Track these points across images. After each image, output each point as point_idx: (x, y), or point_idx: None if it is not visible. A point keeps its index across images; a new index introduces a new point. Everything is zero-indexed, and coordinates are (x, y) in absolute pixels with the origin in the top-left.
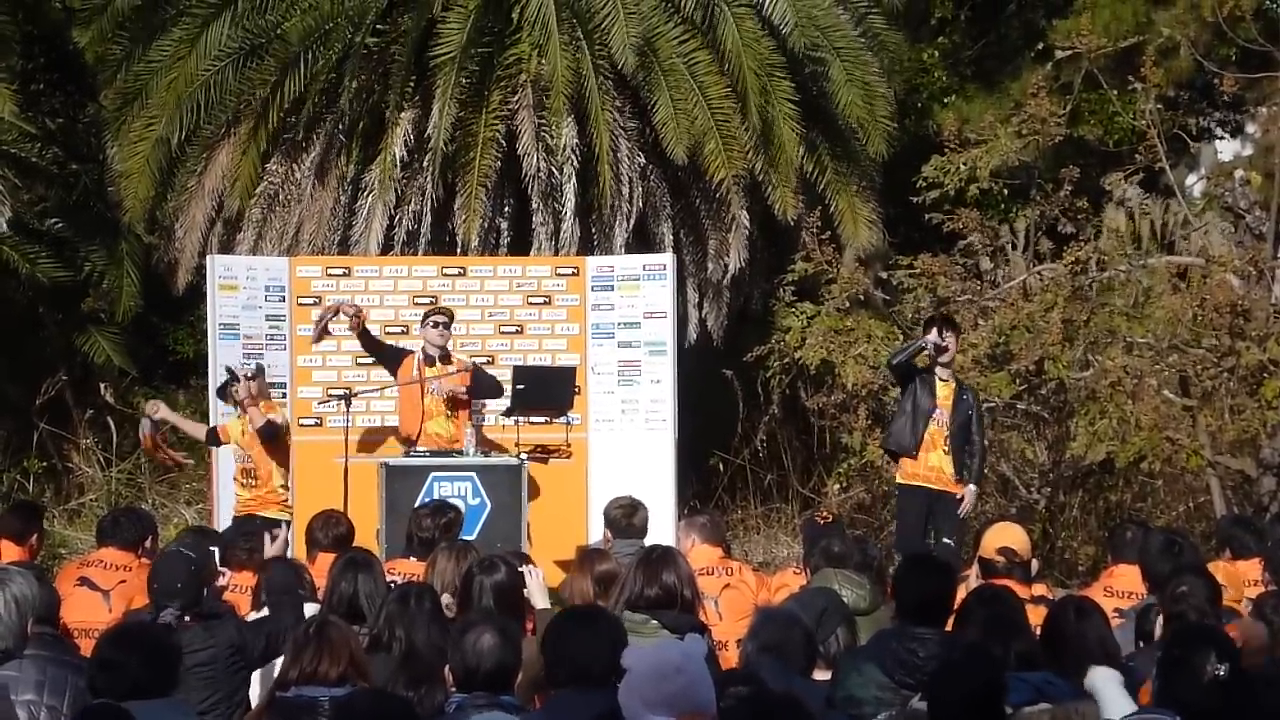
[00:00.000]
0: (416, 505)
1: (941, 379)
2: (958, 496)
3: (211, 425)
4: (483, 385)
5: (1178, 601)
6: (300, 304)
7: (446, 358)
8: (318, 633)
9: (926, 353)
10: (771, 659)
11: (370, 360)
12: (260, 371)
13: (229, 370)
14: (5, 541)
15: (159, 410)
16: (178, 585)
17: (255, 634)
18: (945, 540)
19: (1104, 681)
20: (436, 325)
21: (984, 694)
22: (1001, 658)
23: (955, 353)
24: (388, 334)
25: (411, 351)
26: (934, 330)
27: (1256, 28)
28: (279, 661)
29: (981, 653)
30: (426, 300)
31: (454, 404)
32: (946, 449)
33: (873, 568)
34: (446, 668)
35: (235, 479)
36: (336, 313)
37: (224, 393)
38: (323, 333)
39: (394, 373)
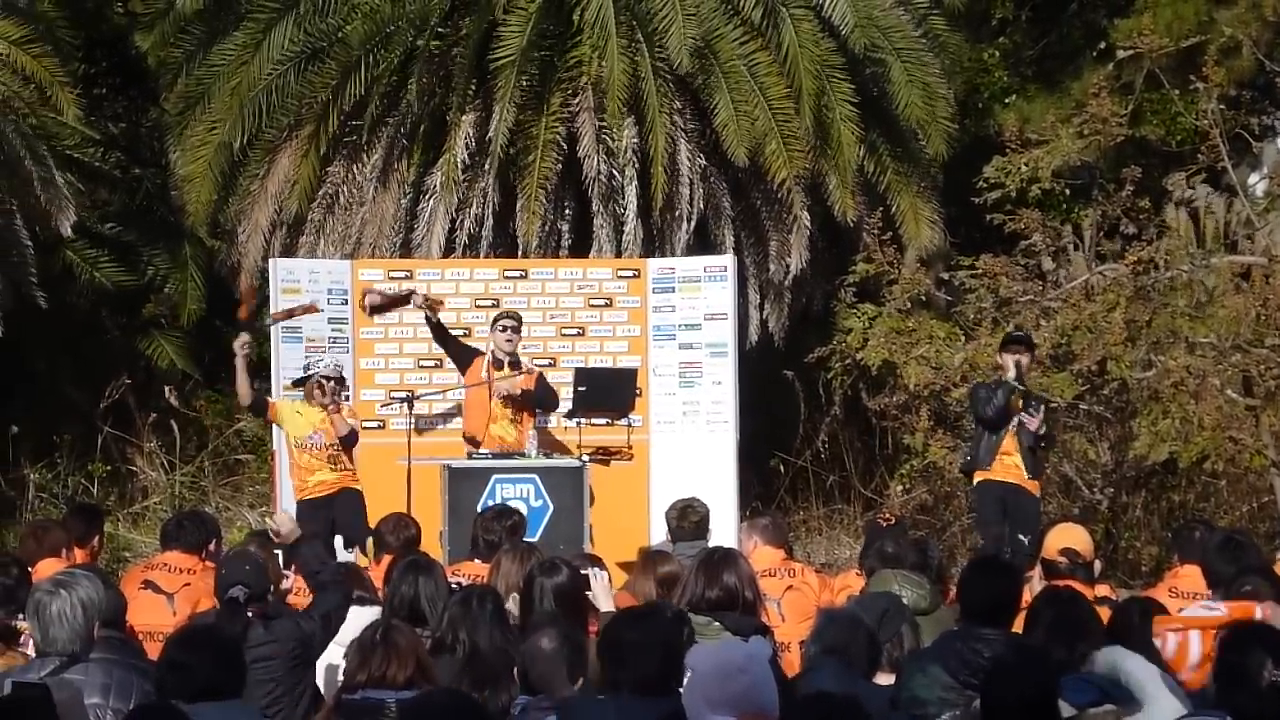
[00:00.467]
0: (480, 509)
1: (1016, 389)
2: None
3: (264, 395)
4: (540, 394)
5: (1242, 599)
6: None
7: (516, 363)
8: (384, 637)
9: (1016, 387)
10: (835, 661)
11: (432, 363)
12: (342, 380)
13: (339, 368)
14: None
15: (246, 347)
16: (245, 568)
17: (310, 622)
18: (1020, 537)
19: (1125, 660)
20: (505, 330)
21: (1036, 696)
22: (1066, 659)
23: (1029, 363)
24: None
25: (482, 353)
26: (1010, 361)
27: None
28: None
29: (1034, 653)
30: (489, 303)
31: (516, 407)
32: (1019, 448)
33: (932, 568)
34: (515, 669)
35: (316, 465)
36: (408, 300)
37: (306, 383)
38: (384, 308)
39: (463, 371)
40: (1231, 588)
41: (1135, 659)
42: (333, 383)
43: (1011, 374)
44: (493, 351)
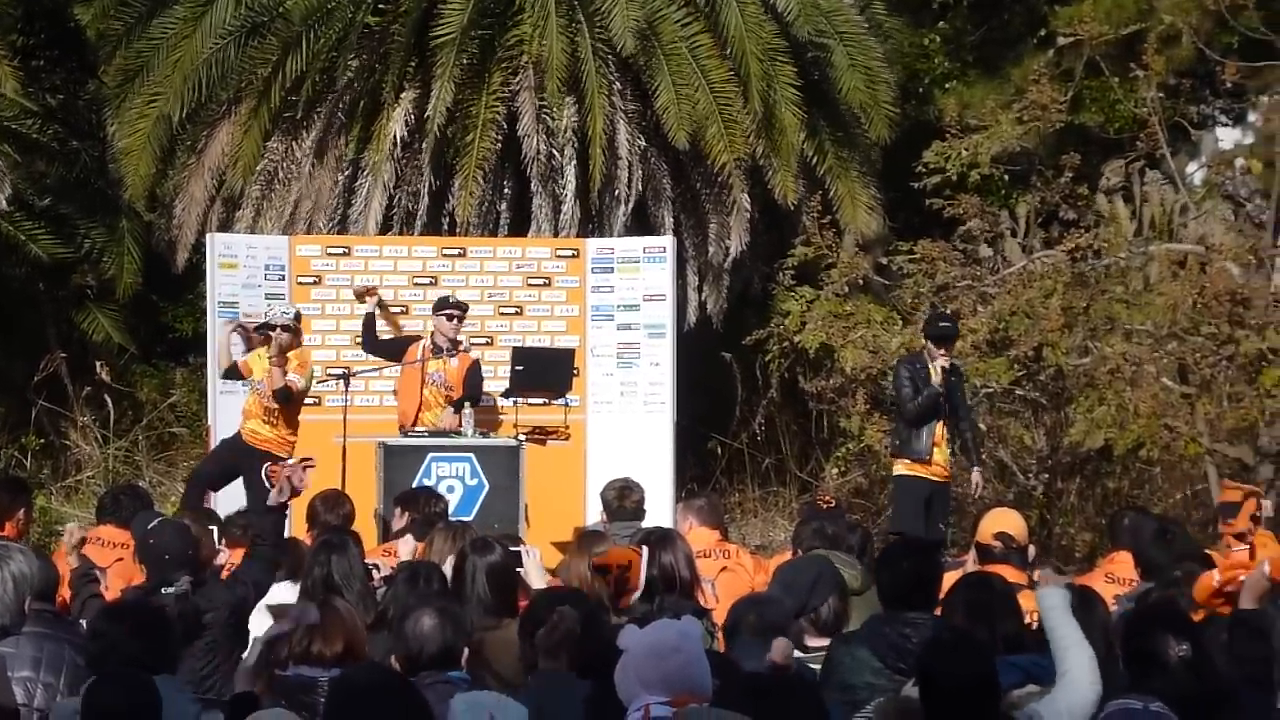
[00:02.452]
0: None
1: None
2: (972, 483)
3: (235, 360)
4: (469, 391)
5: (1174, 586)
6: (300, 283)
7: (454, 349)
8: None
9: (940, 392)
10: (747, 638)
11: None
12: (298, 318)
13: (286, 315)
14: None
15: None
16: (188, 553)
17: (243, 587)
18: (940, 526)
19: (1055, 609)
20: (451, 318)
21: (981, 677)
22: (988, 642)
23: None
24: (388, 313)
25: (418, 338)
26: (940, 361)
27: (1258, 17)
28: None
29: (971, 635)
30: (426, 280)
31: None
32: (949, 438)
33: (864, 551)
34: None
35: (254, 413)
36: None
37: (266, 328)
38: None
39: (398, 362)
40: (1165, 574)
41: (1069, 627)
42: (279, 330)
43: (937, 379)
44: (433, 335)
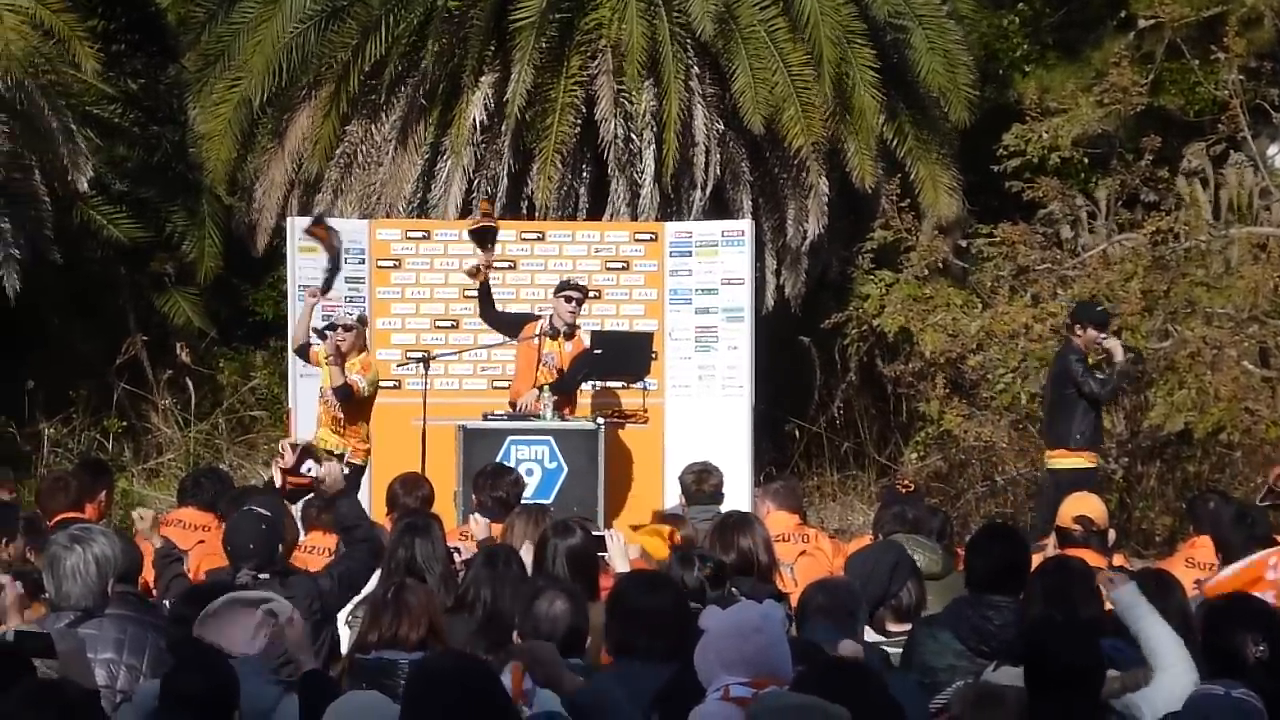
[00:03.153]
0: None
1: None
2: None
3: (309, 341)
4: (566, 380)
5: None
6: (379, 266)
7: (571, 334)
8: (395, 596)
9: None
10: (821, 622)
11: (449, 324)
12: (362, 322)
13: (327, 320)
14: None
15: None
16: (249, 545)
17: (329, 579)
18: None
19: (1134, 604)
20: (570, 300)
21: (1087, 665)
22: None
23: None
24: (466, 297)
25: (538, 317)
26: (1113, 342)
27: None
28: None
29: (1083, 622)
30: (505, 264)
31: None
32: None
33: (944, 535)
34: (515, 633)
35: (323, 422)
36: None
37: (320, 335)
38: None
39: (514, 337)
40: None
41: (1155, 622)
42: (340, 330)
43: (1119, 357)
44: (551, 318)
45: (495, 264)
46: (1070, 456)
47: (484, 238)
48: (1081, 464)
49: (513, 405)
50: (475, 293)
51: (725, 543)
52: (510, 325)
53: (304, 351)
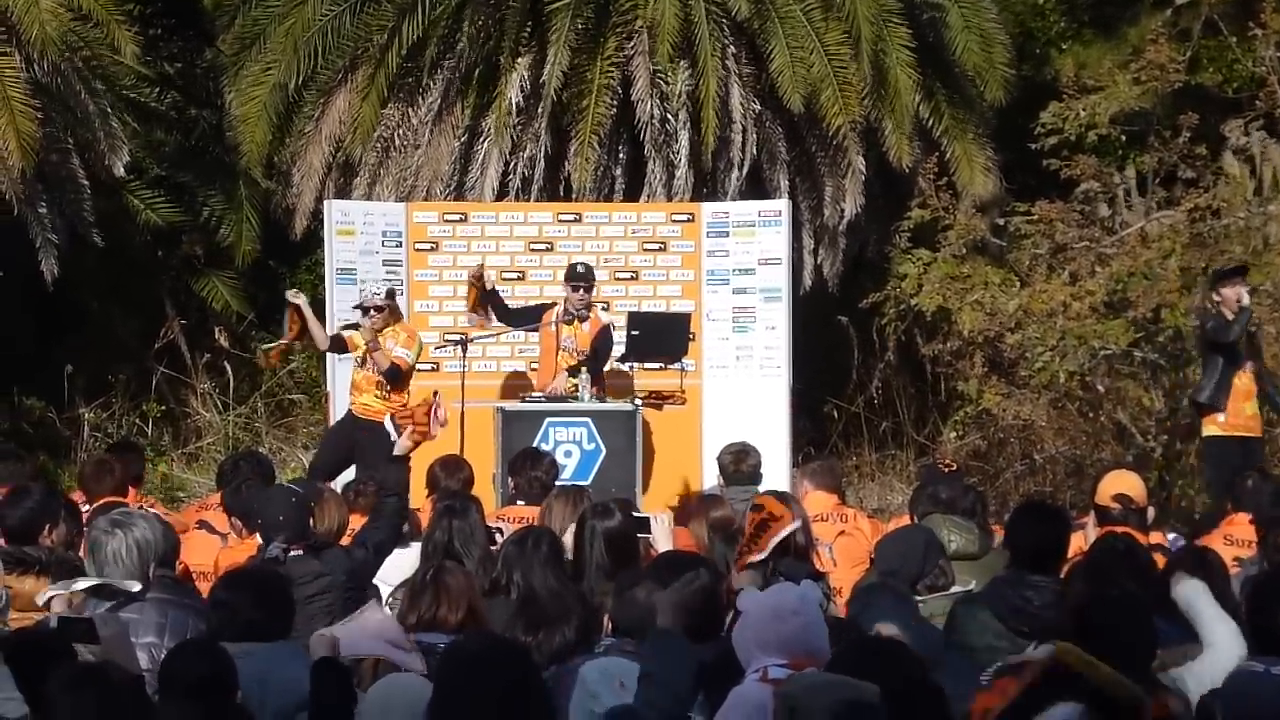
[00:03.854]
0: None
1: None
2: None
3: (336, 332)
4: (596, 346)
5: (1279, 551)
6: (416, 249)
7: (586, 317)
8: (434, 578)
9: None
10: (890, 595)
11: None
12: (392, 295)
13: (377, 294)
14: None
15: (300, 298)
16: (279, 518)
17: (362, 550)
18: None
19: (1195, 596)
20: (576, 289)
21: (1136, 640)
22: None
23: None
24: (503, 279)
25: (553, 305)
26: (1237, 289)
27: None
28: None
29: (1136, 597)
30: (543, 246)
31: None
32: (1256, 389)
33: (977, 514)
34: (606, 617)
35: (367, 388)
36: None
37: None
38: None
39: (535, 327)
40: (1268, 536)
41: (1206, 598)
42: (372, 313)
43: (1246, 300)
44: (565, 303)
45: (532, 245)
46: (1205, 424)
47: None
48: (1212, 432)
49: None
50: (512, 275)
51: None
52: (527, 319)
53: (339, 344)
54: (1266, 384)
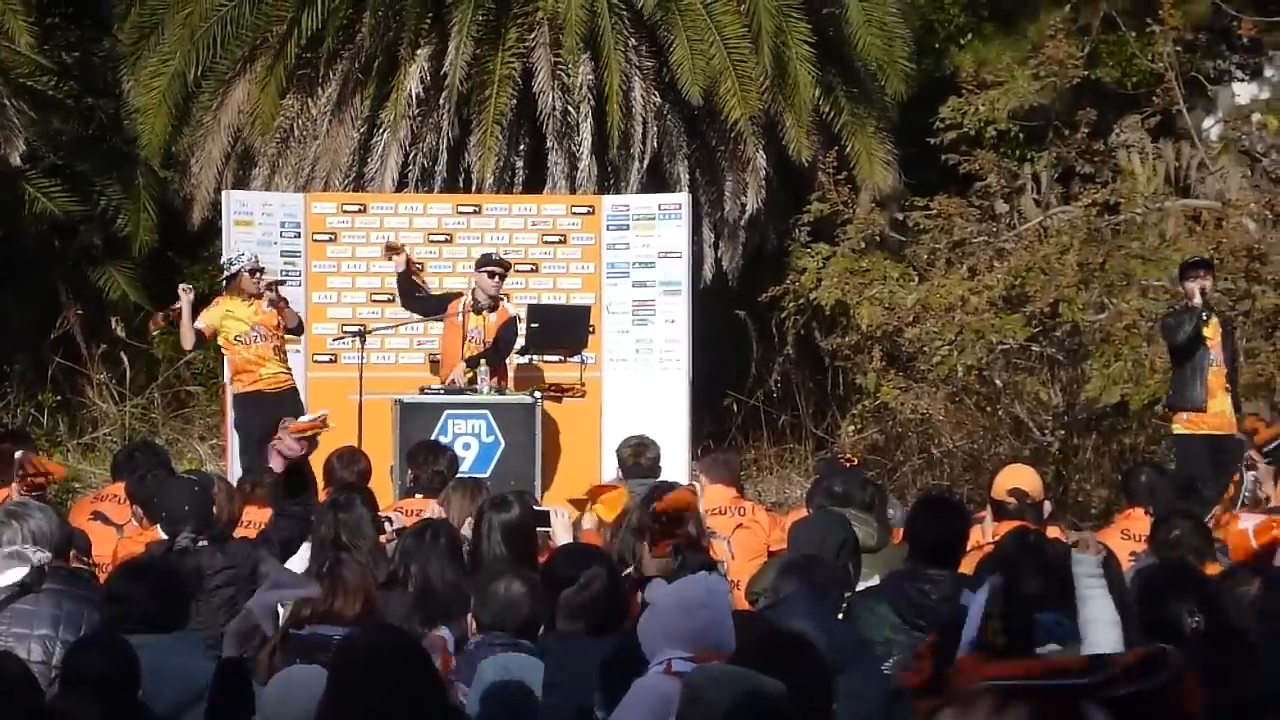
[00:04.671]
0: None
1: (1204, 318)
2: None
3: (196, 329)
4: (500, 336)
5: (1172, 547)
6: (315, 240)
7: (494, 307)
8: (330, 571)
9: (1204, 313)
10: (807, 593)
11: (385, 298)
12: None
13: (254, 258)
14: None
15: (188, 294)
16: (185, 508)
17: (267, 544)
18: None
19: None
20: (493, 275)
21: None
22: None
23: (1211, 287)
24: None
25: (459, 295)
26: (1195, 288)
27: None
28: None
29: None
30: (442, 238)
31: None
32: (1227, 388)
33: (880, 507)
34: (469, 615)
35: (270, 357)
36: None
37: (233, 280)
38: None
39: (439, 317)
40: (1158, 533)
41: (1102, 597)
42: (259, 274)
43: (1198, 300)
44: (474, 293)
45: (431, 237)
46: (1173, 421)
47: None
48: (1178, 430)
49: (445, 385)
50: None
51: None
52: (433, 308)
53: (200, 340)
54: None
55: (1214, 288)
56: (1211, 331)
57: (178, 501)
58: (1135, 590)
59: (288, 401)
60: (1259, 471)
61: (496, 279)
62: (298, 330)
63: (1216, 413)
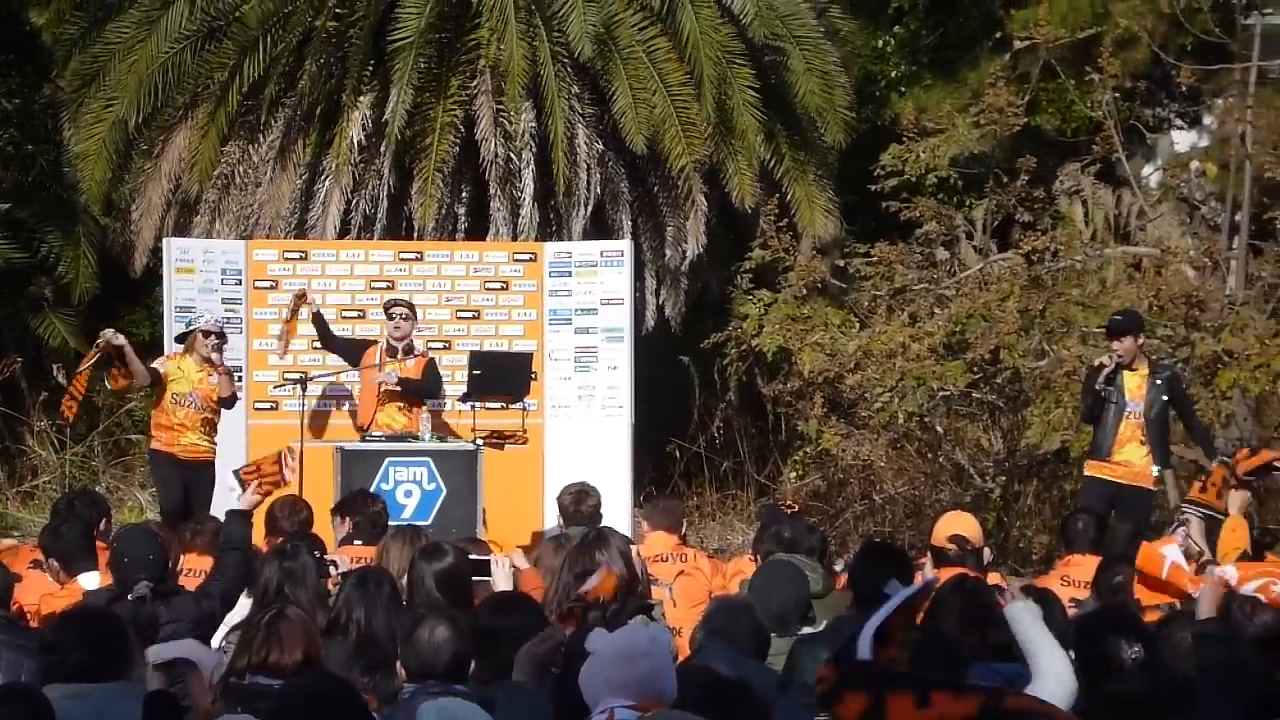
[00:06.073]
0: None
1: (1130, 371)
2: (1150, 488)
3: (152, 366)
4: (418, 385)
5: (1115, 592)
6: (256, 287)
7: (410, 349)
8: (270, 621)
9: (1104, 384)
10: (721, 643)
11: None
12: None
13: (220, 322)
14: None
15: (119, 338)
16: (148, 557)
17: (210, 600)
18: (1125, 527)
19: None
20: (393, 318)
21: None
22: (978, 647)
23: (1134, 347)
24: (344, 318)
25: (375, 341)
26: (1112, 347)
27: (1213, 19)
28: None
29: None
30: (384, 284)
31: (400, 395)
32: (1144, 439)
33: (822, 554)
34: (398, 661)
35: (191, 426)
36: (303, 300)
37: (187, 337)
38: (290, 327)
39: (355, 364)
40: (1101, 578)
41: (1039, 625)
42: (214, 337)
43: (1103, 376)
44: (387, 338)
45: (373, 284)
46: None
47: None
48: (1087, 472)
49: (361, 430)
50: (353, 314)
51: (583, 560)
52: (348, 352)
53: (155, 378)
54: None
55: (1134, 341)
56: (1137, 383)
57: (139, 551)
58: (1074, 631)
59: (202, 472)
60: (1189, 527)
61: (398, 318)
62: (229, 403)
63: (1121, 461)
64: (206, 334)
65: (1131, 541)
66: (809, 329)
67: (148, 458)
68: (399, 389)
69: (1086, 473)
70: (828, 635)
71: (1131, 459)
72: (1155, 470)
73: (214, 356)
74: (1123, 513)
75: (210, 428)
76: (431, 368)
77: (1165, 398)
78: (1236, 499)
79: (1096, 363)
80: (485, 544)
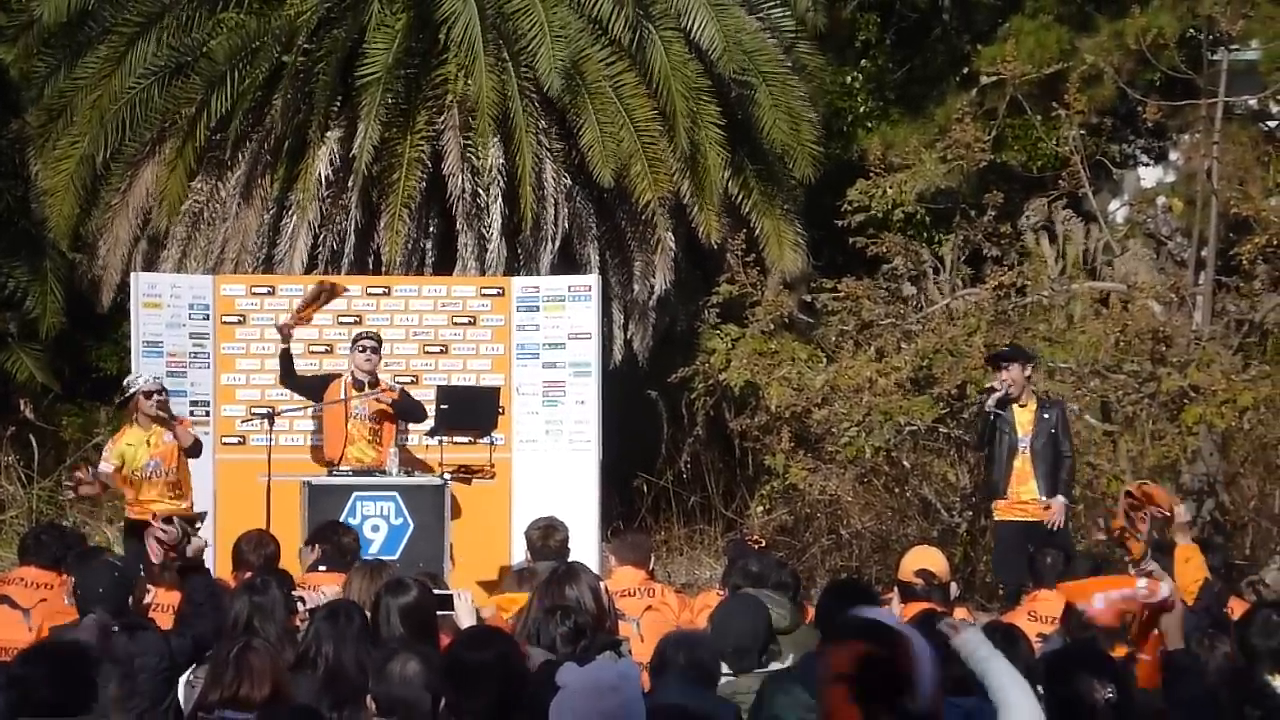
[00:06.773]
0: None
1: (1020, 406)
2: (1049, 522)
3: (102, 470)
4: (405, 407)
5: (1084, 627)
6: (224, 322)
7: (375, 382)
8: (238, 656)
9: (995, 409)
10: (677, 674)
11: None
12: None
13: (158, 379)
14: None
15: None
16: (99, 590)
17: (180, 639)
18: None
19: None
20: (364, 350)
21: None
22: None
23: (1020, 377)
24: (311, 352)
25: (337, 376)
26: (997, 383)
27: (1179, 55)
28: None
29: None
30: (351, 319)
31: (375, 426)
32: (1035, 472)
33: (791, 589)
34: (369, 696)
35: (152, 493)
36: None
37: (128, 404)
38: (304, 314)
39: (318, 400)
40: (1071, 612)
41: (998, 663)
42: (154, 395)
43: (991, 401)
44: (352, 372)
45: (340, 319)
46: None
47: (317, 297)
48: (996, 516)
49: (329, 464)
50: (320, 349)
51: (552, 595)
52: (311, 390)
53: (113, 483)
54: (1045, 465)
55: (1021, 371)
56: (1027, 418)
57: (93, 583)
58: (1043, 668)
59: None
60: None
61: (368, 352)
62: (194, 452)
63: (1029, 500)
64: (148, 394)
65: (1098, 574)
66: (776, 364)
67: (123, 527)
68: (385, 407)
69: (996, 517)
70: (799, 672)
71: (1035, 495)
72: (1043, 499)
73: (162, 413)
74: (1043, 547)
75: (177, 489)
76: (406, 397)
77: (1053, 431)
78: (1180, 526)
79: (986, 386)
80: (441, 579)
